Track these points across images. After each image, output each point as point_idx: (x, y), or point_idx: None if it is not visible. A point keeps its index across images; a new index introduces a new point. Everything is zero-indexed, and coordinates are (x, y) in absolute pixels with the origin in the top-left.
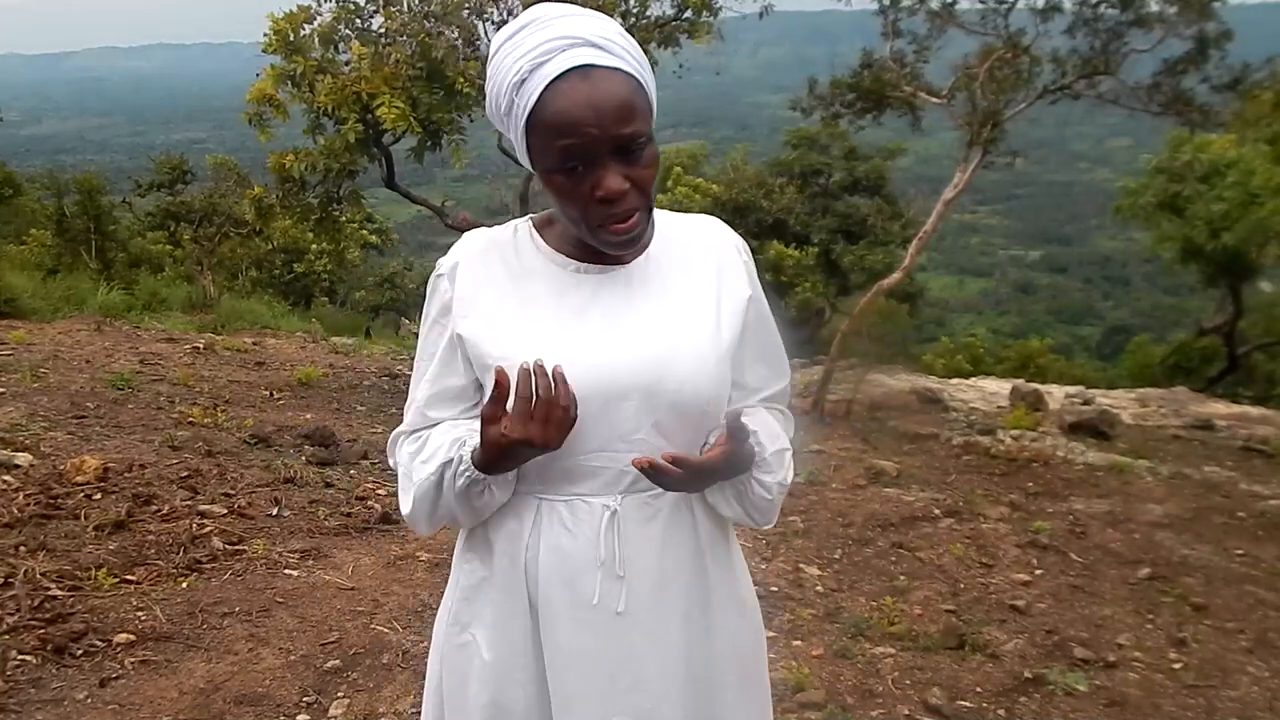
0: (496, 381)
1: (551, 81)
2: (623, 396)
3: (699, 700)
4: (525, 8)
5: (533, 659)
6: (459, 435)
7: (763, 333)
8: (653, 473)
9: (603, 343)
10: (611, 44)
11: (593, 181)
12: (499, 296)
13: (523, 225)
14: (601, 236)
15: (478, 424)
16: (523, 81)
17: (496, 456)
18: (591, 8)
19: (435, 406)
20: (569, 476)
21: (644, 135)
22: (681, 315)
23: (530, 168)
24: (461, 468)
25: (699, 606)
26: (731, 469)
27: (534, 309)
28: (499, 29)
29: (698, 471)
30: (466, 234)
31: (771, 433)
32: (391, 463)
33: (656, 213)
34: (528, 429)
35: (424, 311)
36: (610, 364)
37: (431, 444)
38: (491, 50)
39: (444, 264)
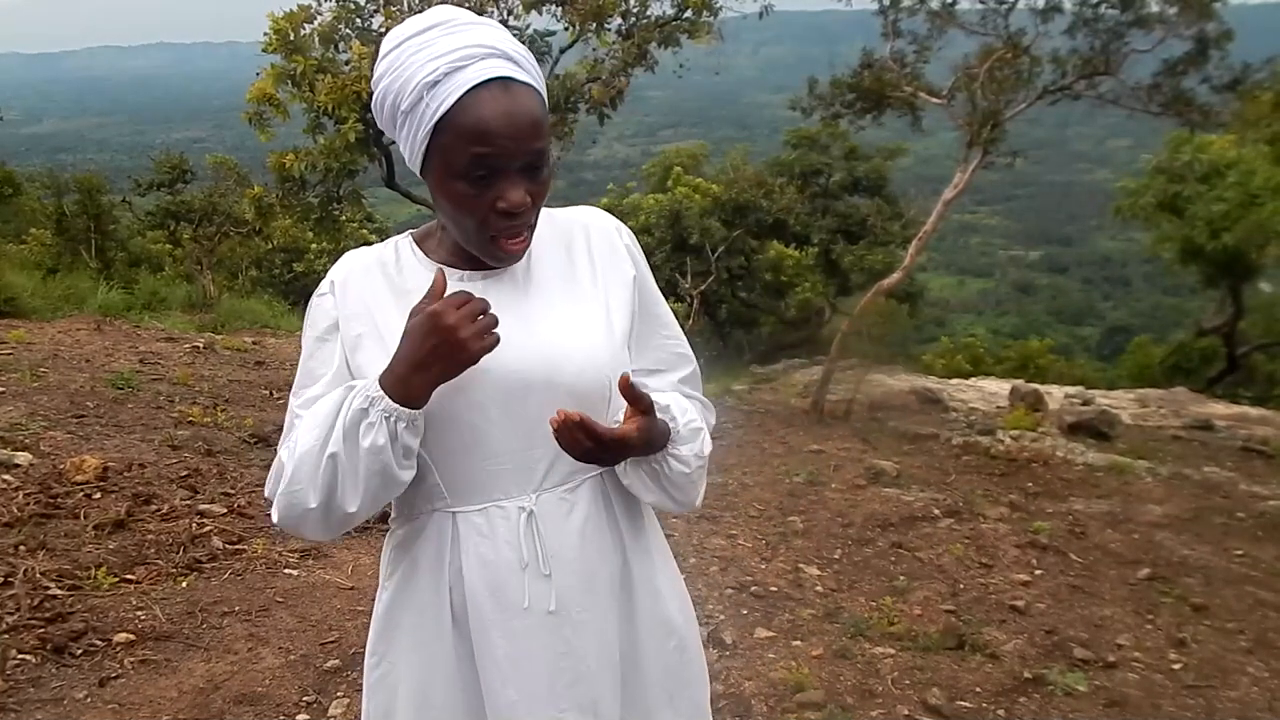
0: (435, 281)
1: (472, 88)
2: (523, 393)
3: (631, 689)
4: (525, 7)
5: (458, 676)
6: (338, 398)
7: (653, 312)
8: (565, 437)
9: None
10: (525, 60)
11: (497, 193)
12: (384, 316)
13: (403, 241)
14: (492, 249)
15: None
16: (436, 83)
17: (411, 357)
18: (592, 9)
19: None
20: (480, 485)
21: (546, 154)
22: (569, 304)
23: (417, 169)
24: (364, 389)
25: (624, 594)
26: (644, 442)
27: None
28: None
29: (607, 442)
30: (346, 254)
31: (682, 408)
32: (269, 490)
33: None
34: (461, 321)
35: (304, 334)
36: (505, 362)
37: (310, 415)
38: (389, 44)
39: (324, 285)
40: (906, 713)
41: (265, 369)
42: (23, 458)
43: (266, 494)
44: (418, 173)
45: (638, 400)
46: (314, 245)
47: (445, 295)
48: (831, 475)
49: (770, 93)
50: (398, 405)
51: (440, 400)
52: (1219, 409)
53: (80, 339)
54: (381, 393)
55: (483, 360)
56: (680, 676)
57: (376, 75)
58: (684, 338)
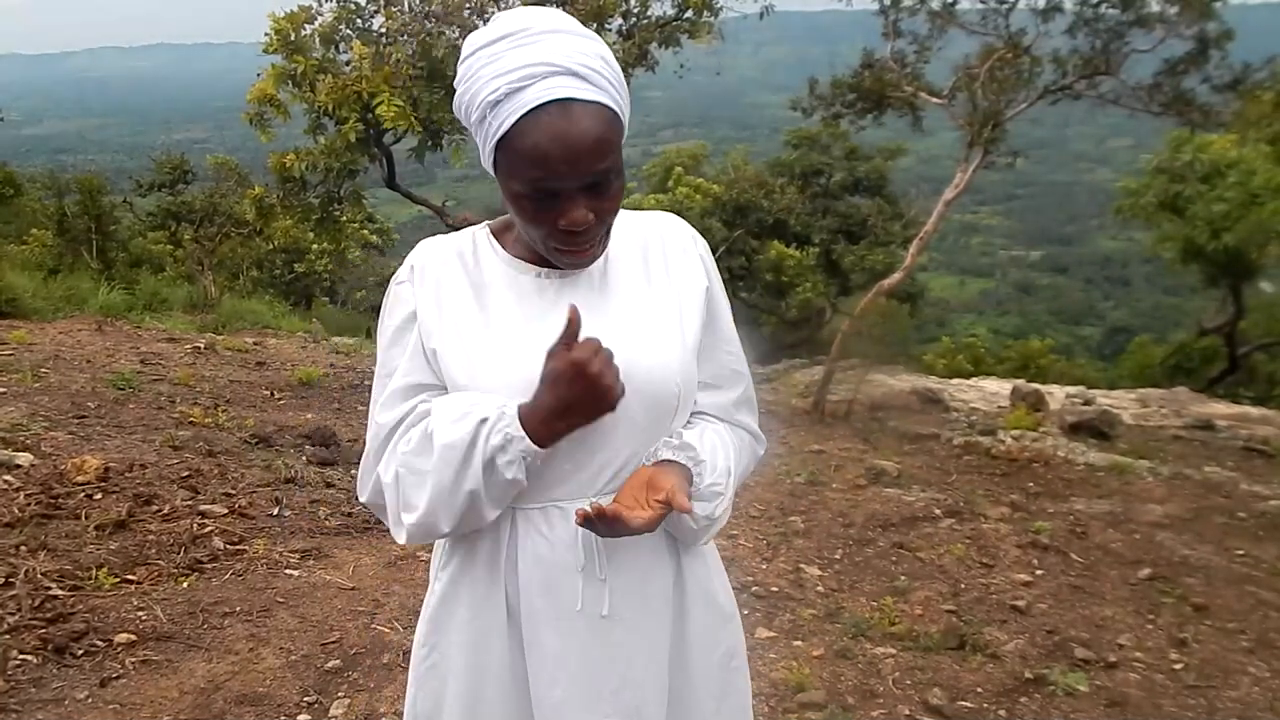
0: (570, 319)
1: (529, 111)
2: None
3: (679, 695)
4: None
5: (509, 671)
6: (482, 400)
7: (719, 325)
8: (592, 528)
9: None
10: (593, 73)
11: (559, 212)
12: (461, 309)
13: (480, 233)
14: (557, 257)
15: (477, 408)
16: (498, 103)
17: (555, 406)
18: (593, 9)
19: (401, 399)
20: (543, 483)
21: (614, 170)
22: (643, 312)
23: (492, 172)
24: (501, 424)
25: (677, 603)
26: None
27: (496, 319)
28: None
29: (631, 531)
30: (423, 242)
31: (714, 464)
32: (365, 497)
33: None
34: (605, 369)
35: (382, 322)
36: None
37: (442, 415)
38: (466, 50)
39: (403, 272)
40: (908, 713)
41: (266, 369)
42: (24, 458)
43: (364, 500)
44: (493, 174)
45: (674, 498)
46: (315, 246)
47: (573, 332)
48: (832, 475)
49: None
50: (534, 446)
51: (511, 391)
52: (1220, 409)
53: (81, 340)
54: (521, 433)
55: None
56: (728, 684)
57: (457, 79)
58: (744, 356)
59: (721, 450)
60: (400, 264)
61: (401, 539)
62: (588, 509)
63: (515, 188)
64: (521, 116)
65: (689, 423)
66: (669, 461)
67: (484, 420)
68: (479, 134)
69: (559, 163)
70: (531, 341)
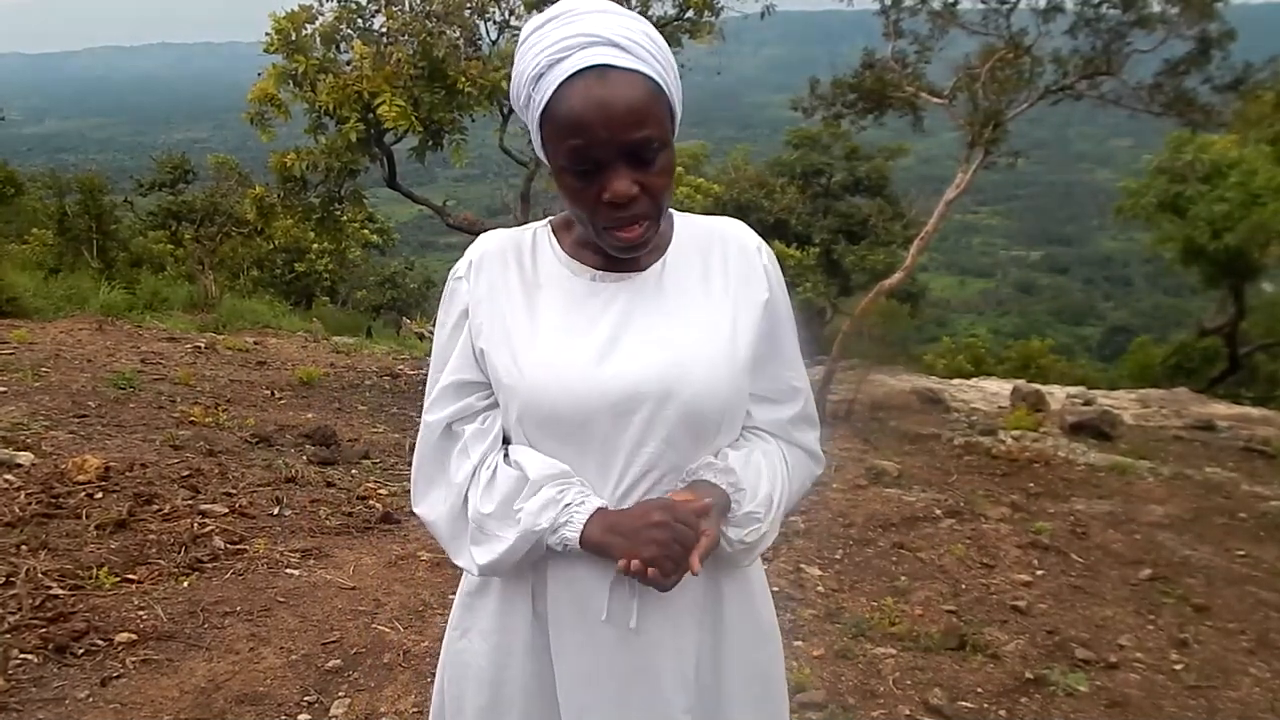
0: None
1: (567, 79)
2: (631, 409)
3: (710, 694)
4: (526, 7)
5: (533, 671)
6: (554, 496)
7: (778, 338)
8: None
9: (612, 354)
10: (634, 45)
11: (601, 184)
12: (513, 309)
13: (542, 230)
14: (607, 238)
15: (571, 486)
16: (540, 76)
17: (632, 540)
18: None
19: (442, 403)
20: None
21: (657, 141)
22: (696, 325)
23: (544, 158)
24: (559, 538)
25: (711, 620)
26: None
27: (546, 321)
28: (500, 29)
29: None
30: (484, 234)
31: (755, 490)
32: (419, 511)
33: (677, 215)
34: (685, 546)
35: (441, 315)
36: (618, 375)
37: (508, 487)
38: (520, 39)
39: (461, 266)
40: (908, 713)
41: (267, 369)
42: (25, 457)
43: (419, 513)
44: (548, 165)
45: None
46: (315, 245)
47: (689, 502)
48: (833, 475)
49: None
50: (578, 545)
51: (551, 396)
52: (1220, 409)
53: (82, 339)
54: (578, 539)
55: (596, 372)
56: (768, 688)
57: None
58: (803, 371)
59: (767, 475)
60: (408, 264)
61: (468, 566)
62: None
63: (559, 163)
64: (559, 85)
65: (742, 437)
66: (706, 483)
67: (554, 503)
68: (526, 116)
69: (595, 127)
70: (578, 348)
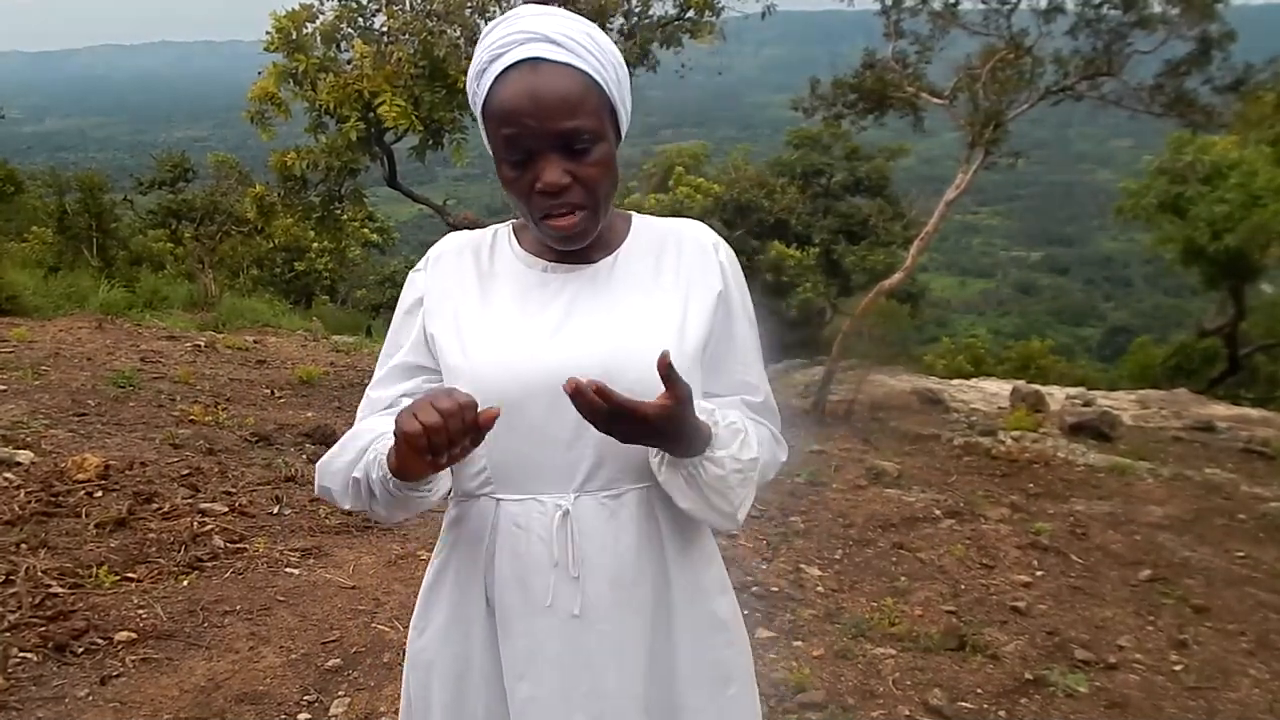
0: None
1: (503, 72)
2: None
3: (661, 708)
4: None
5: (490, 664)
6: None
7: (733, 333)
8: (581, 401)
9: (556, 339)
10: (572, 42)
11: (534, 173)
12: (465, 297)
13: (503, 229)
14: (543, 228)
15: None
16: (481, 73)
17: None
18: (594, 8)
19: (385, 384)
20: (525, 476)
21: (588, 133)
22: (642, 315)
23: (492, 153)
24: (379, 473)
25: (663, 613)
26: (675, 431)
27: (495, 309)
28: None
29: (624, 409)
30: (448, 234)
31: (725, 413)
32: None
33: (636, 217)
34: (417, 423)
35: (398, 305)
36: (559, 360)
37: (362, 428)
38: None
39: (421, 261)
40: (908, 713)
41: (266, 368)
42: (24, 456)
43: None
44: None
45: (672, 384)
46: (315, 244)
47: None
48: (832, 475)
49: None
50: (405, 484)
51: (494, 376)
52: (1220, 410)
53: (82, 337)
54: (389, 473)
55: (539, 355)
56: (727, 676)
57: None
58: (762, 370)
59: (736, 416)
60: (408, 263)
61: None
62: (579, 380)
63: (497, 155)
64: (495, 79)
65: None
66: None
67: (368, 447)
68: (478, 115)
69: (526, 117)
70: (524, 332)
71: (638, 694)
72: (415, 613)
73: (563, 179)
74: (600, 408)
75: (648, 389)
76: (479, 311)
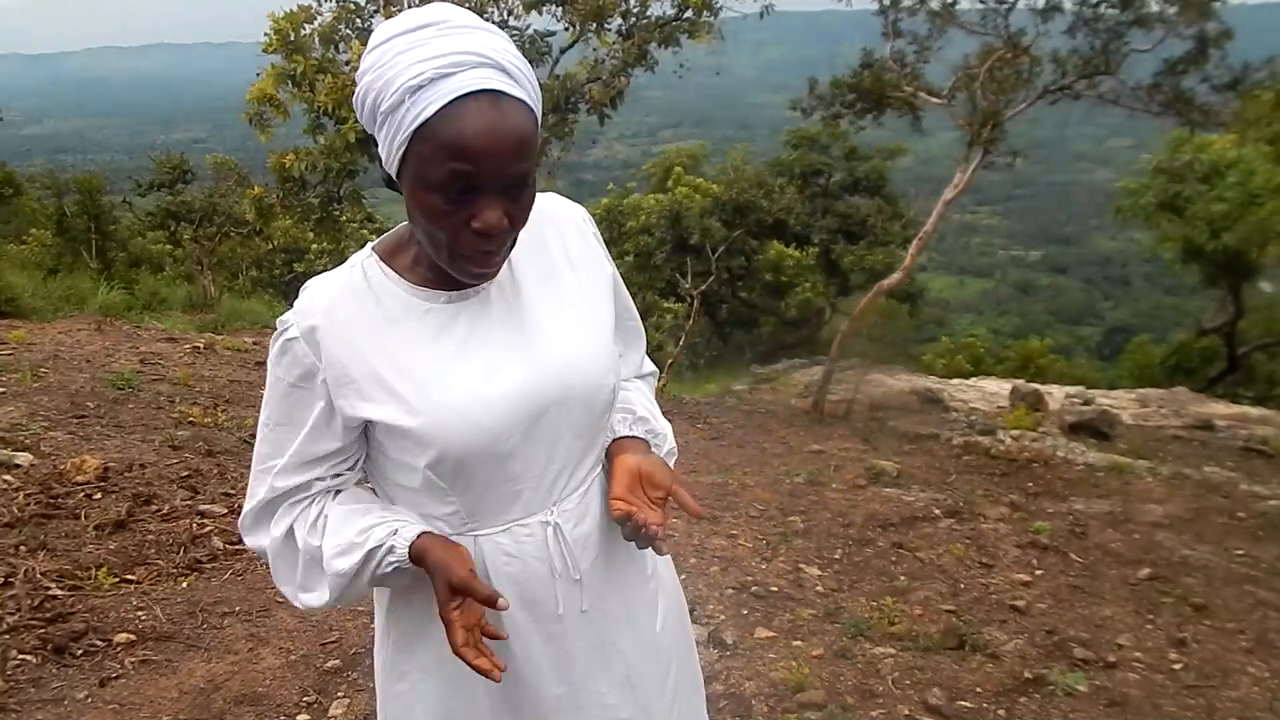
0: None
1: (458, 98)
2: (537, 416)
3: (649, 687)
4: (525, 7)
5: (481, 694)
6: (377, 520)
7: (620, 298)
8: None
9: (498, 373)
10: (519, 73)
11: (472, 211)
12: (376, 356)
13: (369, 262)
14: (461, 266)
15: (398, 512)
16: (420, 88)
17: (437, 580)
18: (592, 9)
19: (291, 473)
20: (501, 507)
21: (530, 176)
22: (563, 317)
23: (393, 172)
24: (390, 559)
25: (639, 593)
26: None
27: (413, 359)
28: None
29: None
30: (307, 288)
31: (660, 429)
32: (255, 543)
33: None
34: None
35: (273, 377)
36: (513, 392)
37: (341, 522)
38: (377, 38)
39: (293, 328)
40: (907, 713)
41: (266, 369)
42: (23, 458)
43: (251, 546)
44: (393, 175)
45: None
46: (314, 245)
47: (475, 584)
48: (832, 475)
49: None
50: (413, 566)
51: (466, 443)
52: (1219, 409)
53: (81, 339)
54: (408, 560)
55: (491, 394)
56: (694, 677)
57: (361, 69)
58: (633, 307)
59: (656, 411)
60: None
61: (300, 606)
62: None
63: (430, 181)
64: (448, 103)
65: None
66: (628, 437)
67: (372, 552)
68: (389, 123)
69: (485, 156)
70: (463, 376)
71: (655, 660)
72: (387, 657)
73: (503, 221)
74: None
75: (594, 393)
76: (396, 369)
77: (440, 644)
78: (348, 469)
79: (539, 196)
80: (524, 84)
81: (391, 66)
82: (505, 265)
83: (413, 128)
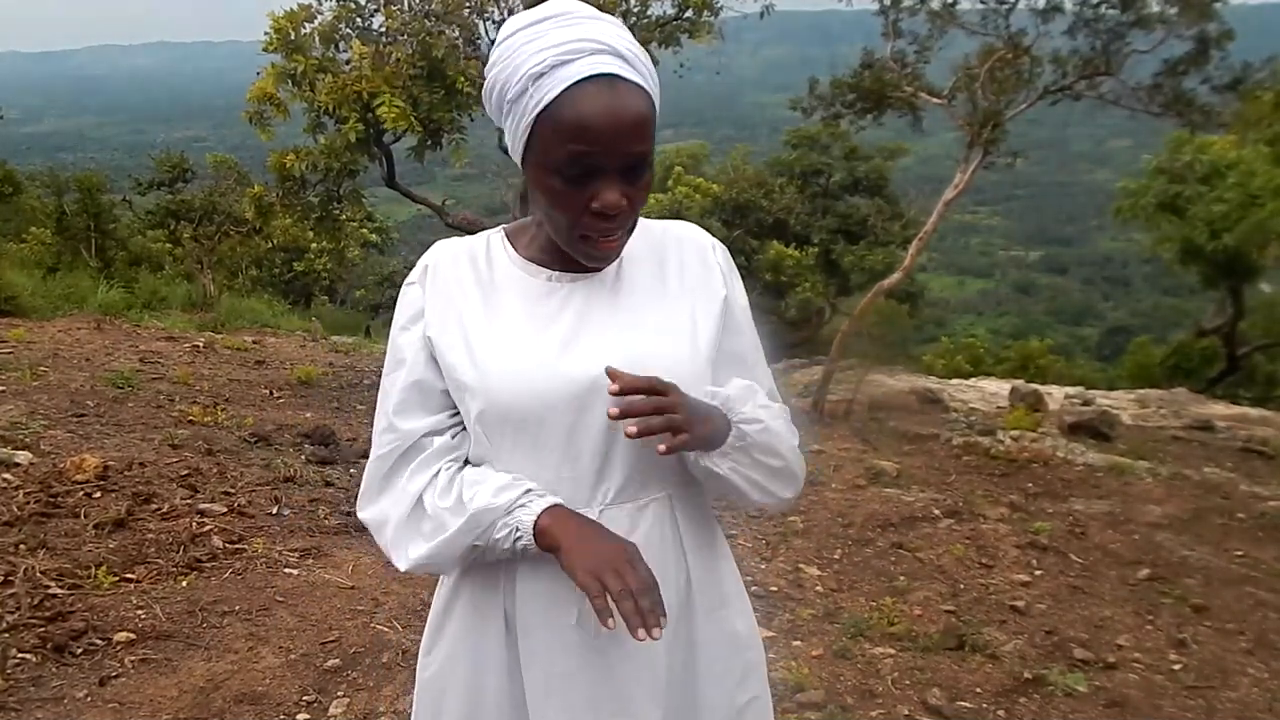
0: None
1: (576, 83)
2: (592, 401)
3: (683, 698)
4: (526, 7)
5: (506, 683)
6: (510, 480)
7: (738, 337)
8: (625, 399)
9: (572, 348)
10: (635, 59)
11: (592, 192)
12: (469, 308)
13: (495, 235)
14: (583, 248)
15: (522, 483)
16: (541, 75)
17: (580, 553)
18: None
19: (408, 412)
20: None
21: (648, 158)
22: (655, 322)
23: (518, 160)
24: (515, 535)
25: (684, 624)
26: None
27: (503, 321)
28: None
29: (673, 395)
30: (437, 243)
31: (745, 399)
32: (375, 513)
33: None
34: (624, 594)
35: (395, 322)
36: (578, 368)
37: (484, 473)
38: (504, 33)
39: (415, 273)
40: (906, 713)
41: (265, 368)
42: (23, 456)
43: (364, 518)
44: (518, 163)
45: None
46: (314, 245)
47: (634, 558)
48: (832, 475)
49: (771, 93)
50: (535, 544)
51: (512, 391)
52: (1219, 409)
53: (80, 338)
54: (533, 540)
55: (554, 368)
56: (748, 696)
57: (489, 63)
58: (765, 366)
59: (754, 400)
60: (407, 264)
61: (402, 565)
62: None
63: (551, 163)
64: (568, 88)
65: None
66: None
67: (529, 491)
68: (514, 111)
69: (603, 136)
70: (536, 344)
71: (661, 703)
72: (425, 635)
73: (622, 201)
74: (656, 399)
75: None
76: (485, 324)
77: (465, 631)
78: (463, 429)
79: (673, 222)
80: (641, 70)
81: (516, 56)
82: (616, 263)
83: (535, 113)
